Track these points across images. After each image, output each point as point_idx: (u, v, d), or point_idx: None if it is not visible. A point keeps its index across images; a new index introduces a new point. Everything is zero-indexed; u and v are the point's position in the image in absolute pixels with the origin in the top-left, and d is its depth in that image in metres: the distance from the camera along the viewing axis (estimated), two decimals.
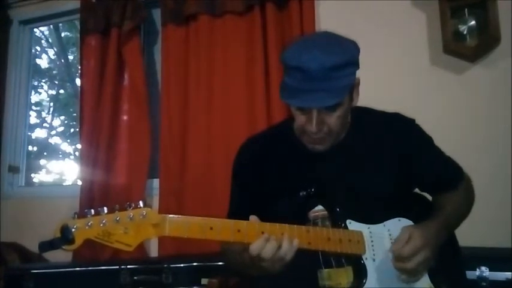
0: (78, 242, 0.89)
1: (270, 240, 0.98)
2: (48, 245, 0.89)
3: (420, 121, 1.29)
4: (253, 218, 1.01)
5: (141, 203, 0.92)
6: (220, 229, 0.97)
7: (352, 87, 1.13)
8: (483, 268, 1.61)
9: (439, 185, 1.27)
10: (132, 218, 0.91)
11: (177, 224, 0.95)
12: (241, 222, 0.99)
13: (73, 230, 0.88)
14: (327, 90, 1.04)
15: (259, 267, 1.01)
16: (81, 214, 0.90)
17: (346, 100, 1.12)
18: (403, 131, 1.25)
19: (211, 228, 0.97)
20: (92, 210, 0.90)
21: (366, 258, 1.10)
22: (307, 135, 1.14)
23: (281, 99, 1.10)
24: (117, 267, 2.08)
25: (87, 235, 0.89)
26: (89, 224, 0.89)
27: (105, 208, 0.91)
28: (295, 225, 1.03)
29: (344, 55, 1.07)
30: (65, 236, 0.88)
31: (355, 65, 1.11)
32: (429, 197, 1.32)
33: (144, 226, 0.91)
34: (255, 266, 1.02)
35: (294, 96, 1.08)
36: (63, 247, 0.89)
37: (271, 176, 1.24)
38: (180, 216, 0.96)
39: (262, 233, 0.99)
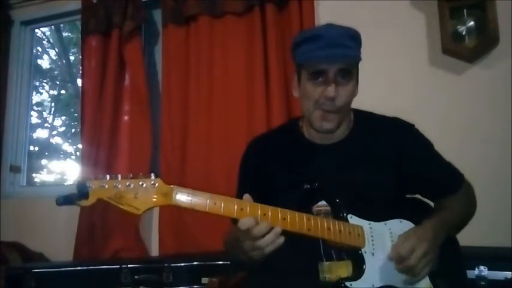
0: (92, 199, 0.96)
1: (259, 223, 1.01)
2: (64, 199, 0.96)
3: (419, 121, 1.30)
4: (246, 196, 1.05)
5: (152, 175, 1.01)
6: (224, 205, 1.02)
7: (358, 69, 1.22)
8: (482, 267, 1.61)
9: (438, 189, 1.28)
10: (143, 185, 0.99)
11: (183, 195, 1.02)
12: (244, 202, 1.04)
13: (88, 187, 0.95)
14: (343, 55, 1.15)
15: (241, 250, 1.05)
16: (98, 177, 0.98)
17: (355, 78, 1.21)
18: (403, 134, 1.27)
19: (215, 204, 1.02)
20: (108, 175, 0.98)
21: (365, 252, 1.11)
22: (319, 109, 1.19)
23: (304, 63, 1.19)
24: (118, 266, 2.09)
25: (100, 195, 0.96)
26: (104, 185, 0.97)
27: (119, 175, 0.99)
28: (296, 212, 1.06)
29: (356, 31, 1.19)
30: (80, 191, 0.95)
31: (361, 47, 1.20)
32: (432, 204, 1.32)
33: (153, 194, 1.00)
34: (240, 249, 1.05)
35: (315, 56, 1.15)
36: (78, 202, 0.95)
37: (276, 170, 1.27)
38: (187, 188, 1.03)
39: (264, 214, 1.03)
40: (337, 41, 1.13)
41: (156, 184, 1.00)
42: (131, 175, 0.99)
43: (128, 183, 0.97)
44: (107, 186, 0.97)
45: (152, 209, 1.00)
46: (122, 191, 0.97)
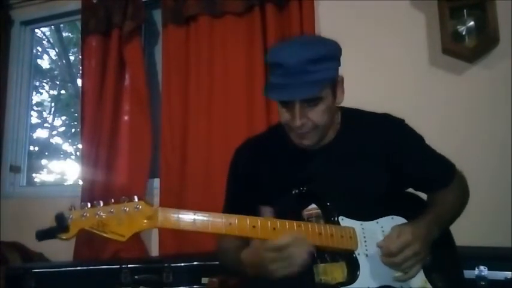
0: (73, 231, 0.92)
1: (295, 240, 0.99)
2: (44, 233, 0.92)
3: (419, 121, 1.30)
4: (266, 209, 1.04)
5: (135, 197, 0.96)
6: (211, 222, 1.00)
7: (334, 83, 1.17)
8: (482, 267, 1.61)
9: (431, 183, 1.28)
10: (126, 210, 0.95)
11: (169, 217, 0.98)
12: (233, 216, 1.02)
13: (68, 219, 0.91)
14: (304, 84, 1.08)
15: (262, 269, 1.02)
16: (85, 198, 0.93)
17: (328, 95, 1.15)
18: (392, 131, 1.26)
19: (202, 221, 0.99)
20: (89, 203, 0.94)
21: (359, 254, 1.11)
22: (293, 131, 1.18)
23: (263, 95, 1.16)
24: (118, 266, 2.09)
25: (82, 225, 0.92)
26: (85, 215, 0.93)
27: (101, 202, 0.94)
28: (286, 220, 1.05)
29: (321, 49, 1.12)
30: (60, 224, 0.91)
31: (335, 60, 1.15)
32: (424, 196, 1.32)
33: (137, 218, 0.95)
34: (255, 266, 1.03)
35: (274, 91, 1.13)
36: (59, 236, 0.91)
37: (265, 175, 1.26)
38: (172, 209, 0.99)
39: (254, 227, 1.01)
40: (297, 68, 1.08)
41: (140, 207, 0.95)
42: (113, 200, 0.95)
43: (110, 210, 0.93)
44: (88, 215, 0.92)
45: (139, 233, 0.97)
46: (104, 219, 0.93)
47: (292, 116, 1.13)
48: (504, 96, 2.04)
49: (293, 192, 1.14)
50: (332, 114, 1.21)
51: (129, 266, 2.09)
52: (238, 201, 1.28)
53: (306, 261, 1.01)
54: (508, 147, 2.00)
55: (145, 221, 0.95)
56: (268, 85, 1.15)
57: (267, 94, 1.14)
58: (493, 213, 1.92)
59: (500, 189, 1.97)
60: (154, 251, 2.52)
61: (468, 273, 1.54)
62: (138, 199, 0.96)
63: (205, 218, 0.99)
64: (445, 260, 1.20)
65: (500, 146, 2.03)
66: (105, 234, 0.93)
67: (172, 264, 2.05)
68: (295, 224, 1.05)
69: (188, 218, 0.99)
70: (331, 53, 1.14)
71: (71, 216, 0.91)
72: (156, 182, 2.58)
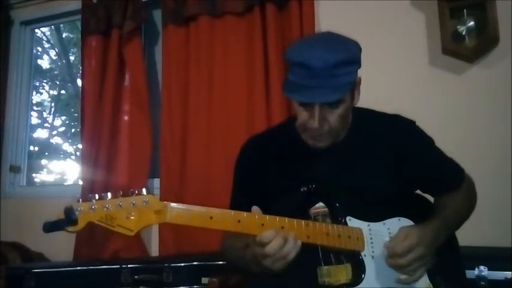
0: (81, 224, 0.91)
1: (278, 234, 0.98)
2: (52, 225, 0.91)
3: (419, 122, 1.30)
4: (255, 208, 1.02)
5: (144, 190, 0.94)
6: (220, 219, 0.99)
7: (354, 85, 1.17)
8: (482, 267, 1.61)
9: (439, 186, 1.27)
10: (135, 204, 0.93)
11: (178, 212, 0.97)
12: (241, 213, 1.01)
13: (77, 212, 0.90)
14: (329, 87, 1.08)
15: (260, 265, 1.02)
16: (86, 198, 0.92)
17: (348, 98, 1.15)
18: (403, 132, 1.26)
19: (211, 218, 0.99)
20: (96, 195, 0.92)
21: (365, 255, 1.10)
22: (308, 132, 1.17)
23: (284, 94, 1.14)
24: (118, 266, 2.09)
25: (90, 218, 0.91)
26: (93, 207, 0.91)
27: (109, 194, 0.93)
28: (294, 219, 1.04)
29: (346, 53, 1.11)
30: (68, 217, 0.89)
31: (357, 63, 1.14)
32: (431, 199, 1.32)
33: (146, 212, 0.93)
34: (256, 263, 1.03)
35: (297, 91, 1.11)
36: (66, 228, 0.90)
37: (272, 173, 1.25)
38: (181, 204, 0.98)
39: (262, 224, 1.00)
40: (324, 71, 1.07)
41: (148, 201, 0.93)
42: (121, 193, 0.93)
43: (118, 203, 0.91)
44: (96, 207, 0.90)
45: (146, 227, 0.96)
46: (112, 212, 0.91)
47: (311, 117, 1.12)
48: (504, 96, 2.04)
49: (301, 190, 1.13)
50: (348, 116, 1.21)
51: (129, 266, 2.09)
52: (244, 199, 1.26)
53: (295, 254, 1.00)
54: (508, 147, 1.99)
55: (154, 215, 0.94)
56: (289, 84, 1.12)
57: (288, 93, 1.13)
58: (493, 213, 1.92)
59: (500, 189, 1.97)
60: (154, 251, 2.52)
61: (468, 273, 1.54)
62: (147, 192, 0.94)
63: (214, 216, 0.99)
64: (448, 262, 1.20)
65: (500, 146, 2.02)
66: (113, 228, 0.91)
67: (172, 264, 2.05)
68: (303, 222, 1.05)
69: (197, 214, 0.98)
70: (354, 56, 1.13)
71: (79, 209, 0.90)
72: (156, 182, 2.58)
